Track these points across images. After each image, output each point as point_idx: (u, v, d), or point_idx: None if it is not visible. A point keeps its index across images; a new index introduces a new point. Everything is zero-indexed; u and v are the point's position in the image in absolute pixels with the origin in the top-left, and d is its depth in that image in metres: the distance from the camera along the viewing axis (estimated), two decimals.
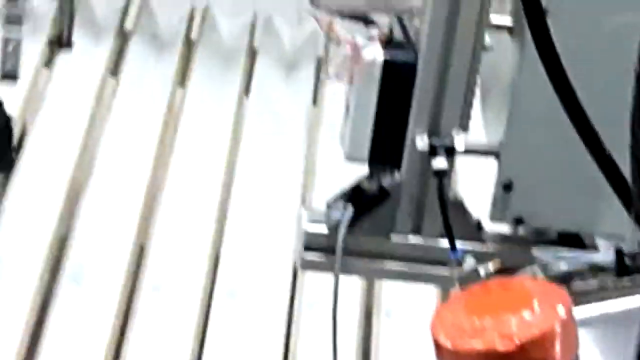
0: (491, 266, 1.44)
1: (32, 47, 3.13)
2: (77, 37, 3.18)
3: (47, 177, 2.69)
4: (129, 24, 3.30)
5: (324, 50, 3.11)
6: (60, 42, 3.28)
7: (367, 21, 1.79)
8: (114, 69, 3.13)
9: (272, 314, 2.65)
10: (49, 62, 3.12)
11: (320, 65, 3.13)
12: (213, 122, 2.96)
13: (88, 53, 3.16)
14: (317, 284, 2.57)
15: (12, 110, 2.86)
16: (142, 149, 2.96)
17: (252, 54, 3.25)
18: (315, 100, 3.10)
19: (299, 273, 2.50)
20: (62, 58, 3.22)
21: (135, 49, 3.20)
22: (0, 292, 2.57)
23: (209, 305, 2.59)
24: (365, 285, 2.58)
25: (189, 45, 3.21)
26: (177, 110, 3.01)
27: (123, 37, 3.25)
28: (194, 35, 3.26)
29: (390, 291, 2.61)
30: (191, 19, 3.33)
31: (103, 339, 2.52)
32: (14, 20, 3.06)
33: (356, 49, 1.54)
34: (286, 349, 2.56)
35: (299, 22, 3.31)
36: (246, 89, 3.09)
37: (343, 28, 1.86)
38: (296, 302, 2.60)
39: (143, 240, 2.72)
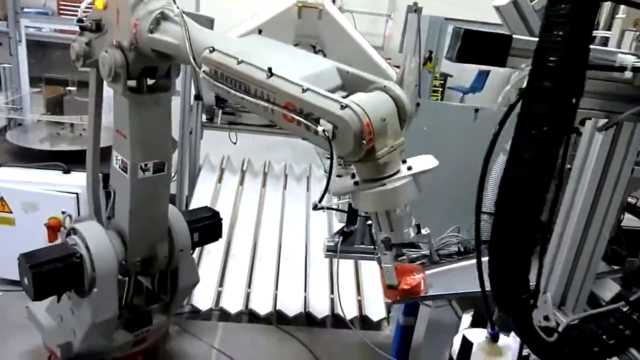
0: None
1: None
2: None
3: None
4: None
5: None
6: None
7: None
8: (241, 183, 4.71)
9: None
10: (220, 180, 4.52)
11: (309, 184, 4.83)
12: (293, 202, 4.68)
13: (231, 181, 4.76)
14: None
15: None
16: (249, 210, 4.49)
17: (285, 184, 4.86)
18: (307, 189, 4.69)
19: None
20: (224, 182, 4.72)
21: (247, 179, 4.81)
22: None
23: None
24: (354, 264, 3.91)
25: (264, 176, 4.88)
26: (263, 196, 4.67)
27: (242, 173, 4.86)
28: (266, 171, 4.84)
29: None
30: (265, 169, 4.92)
31: None
32: None
33: None
34: None
35: (305, 182, 4.95)
36: (284, 187, 4.82)
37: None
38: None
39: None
